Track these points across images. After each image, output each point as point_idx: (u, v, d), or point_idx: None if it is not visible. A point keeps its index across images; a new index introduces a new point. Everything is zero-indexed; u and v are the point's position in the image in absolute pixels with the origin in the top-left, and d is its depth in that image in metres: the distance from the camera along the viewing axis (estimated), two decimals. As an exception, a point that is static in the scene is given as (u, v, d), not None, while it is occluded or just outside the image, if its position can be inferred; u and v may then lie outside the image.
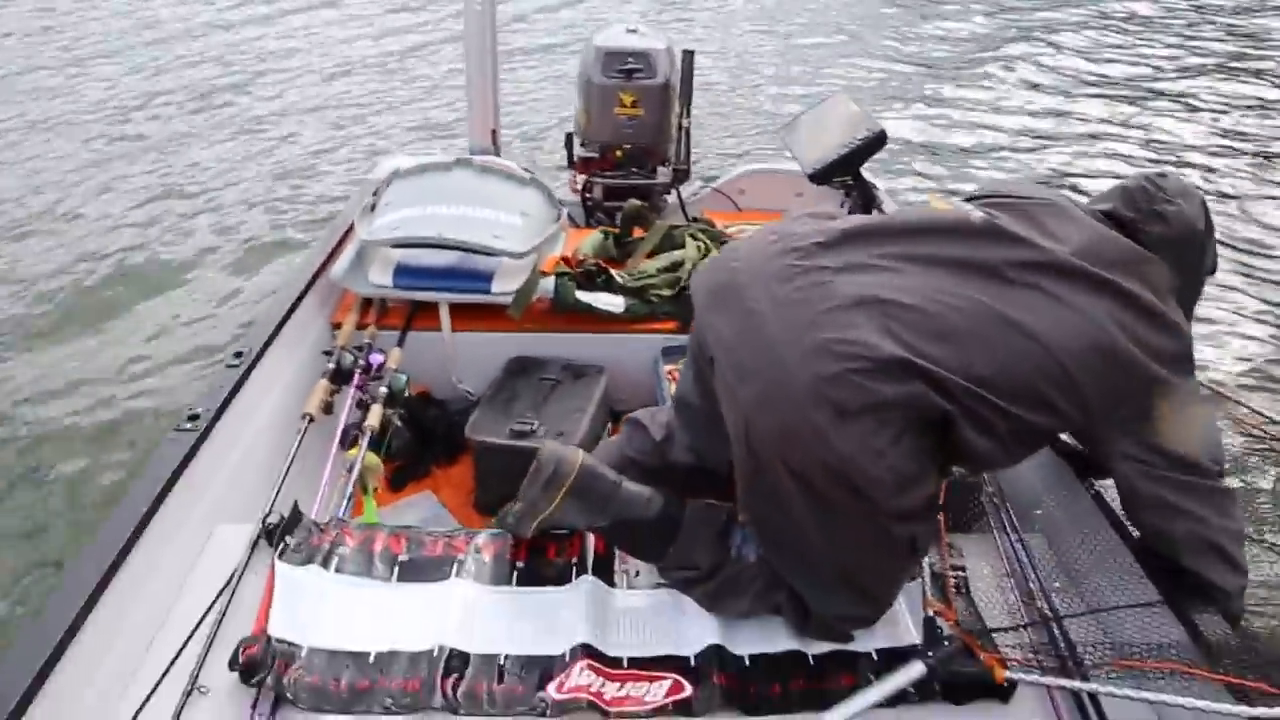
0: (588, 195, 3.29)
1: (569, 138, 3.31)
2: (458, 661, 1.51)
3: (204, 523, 1.78)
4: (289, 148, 6.61)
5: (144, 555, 1.60)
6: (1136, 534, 1.62)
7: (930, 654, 1.42)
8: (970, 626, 1.53)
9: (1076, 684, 1.40)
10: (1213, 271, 1.59)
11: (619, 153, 3.23)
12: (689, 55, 3.23)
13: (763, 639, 1.59)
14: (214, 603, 1.59)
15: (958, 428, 1.31)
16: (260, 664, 1.45)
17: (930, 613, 1.52)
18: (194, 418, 1.85)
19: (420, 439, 2.46)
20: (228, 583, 1.62)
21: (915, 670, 1.40)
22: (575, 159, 3.30)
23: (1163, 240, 1.48)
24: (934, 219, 1.48)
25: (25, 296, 4.70)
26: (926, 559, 1.65)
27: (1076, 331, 1.34)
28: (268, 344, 2.16)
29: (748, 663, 1.54)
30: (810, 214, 1.52)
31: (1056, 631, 1.52)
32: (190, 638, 1.53)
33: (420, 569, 1.70)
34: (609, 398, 2.47)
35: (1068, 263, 1.38)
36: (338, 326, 2.46)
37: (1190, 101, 7.44)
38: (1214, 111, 7.25)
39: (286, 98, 7.58)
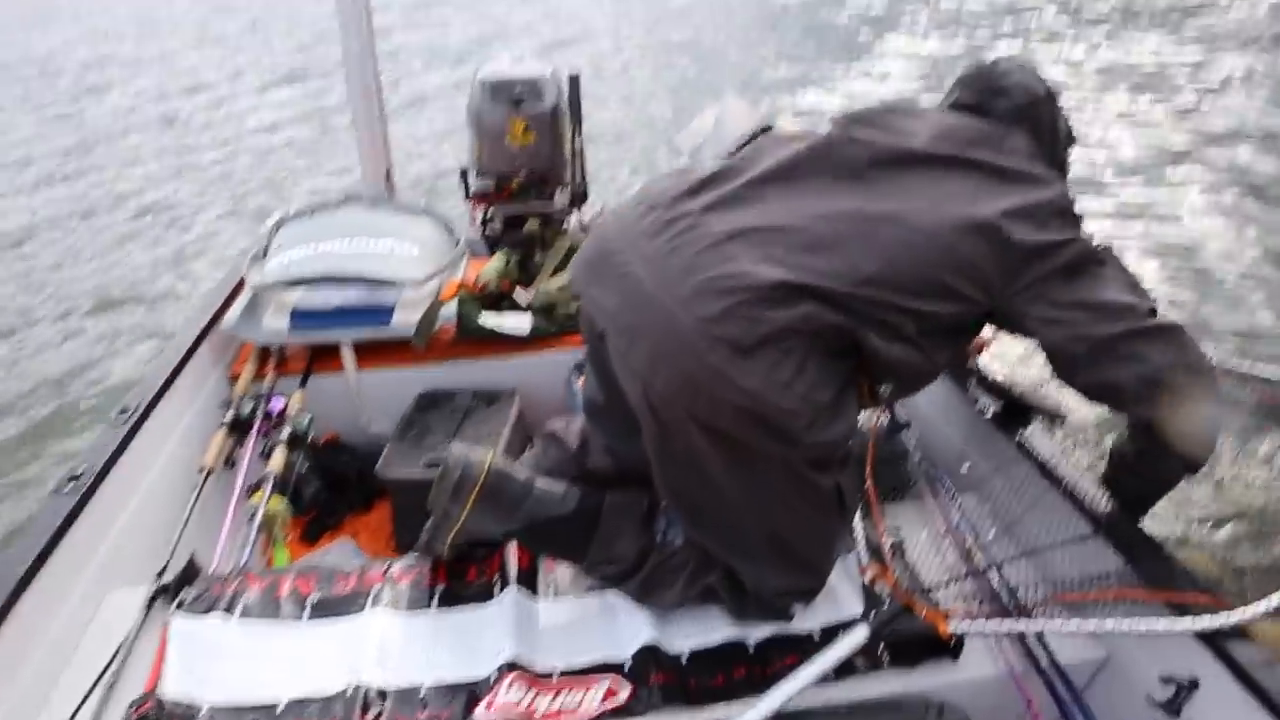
0: (487, 228, 3.23)
1: (464, 173, 3.25)
2: (374, 697, 1.40)
3: (94, 588, 1.64)
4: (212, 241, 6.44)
5: (23, 627, 1.46)
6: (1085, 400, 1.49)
7: (871, 616, 1.36)
8: (910, 587, 1.48)
9: (1020, 625, 1.36)
10: (1071, 139, 1.58)
11: (515, 182, 3.18)
12: (575, 79, 3.21)
13: (699, 632, 1.52)
14: (105, 669, 1.46)
15: (864, 339, 1.26)
16: (154, 729, 1.33)
17: (867, 579, 1.46)
18: (74, 478, 1.71)
19: (331, 487, 2.34)
20: (119, 648, 1.49)
21: (857, 635, 1.34)
22: (472, 193, 3.24)
23: (1011, 112, 1.47)
24: (783, 140, 1.46)
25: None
26: (860, 528, 1.60)
27: (947, 212, 1.31)
28: (157, 398, 2.03)
29: (685, 660, 1.47)
30: (668, 174, 1.49)
31: (996, 580, 1.48)
32: (78, 710, 1.40)
33: (333, 606, 1.60)
34: (524, 419, 2.39)
35: (921, 150, 1.38)
36: (234, 379, 2.34)
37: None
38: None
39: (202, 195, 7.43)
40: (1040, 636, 1.41)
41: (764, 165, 1.40)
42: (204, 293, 2.86)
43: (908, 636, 1.39)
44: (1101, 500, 1.53)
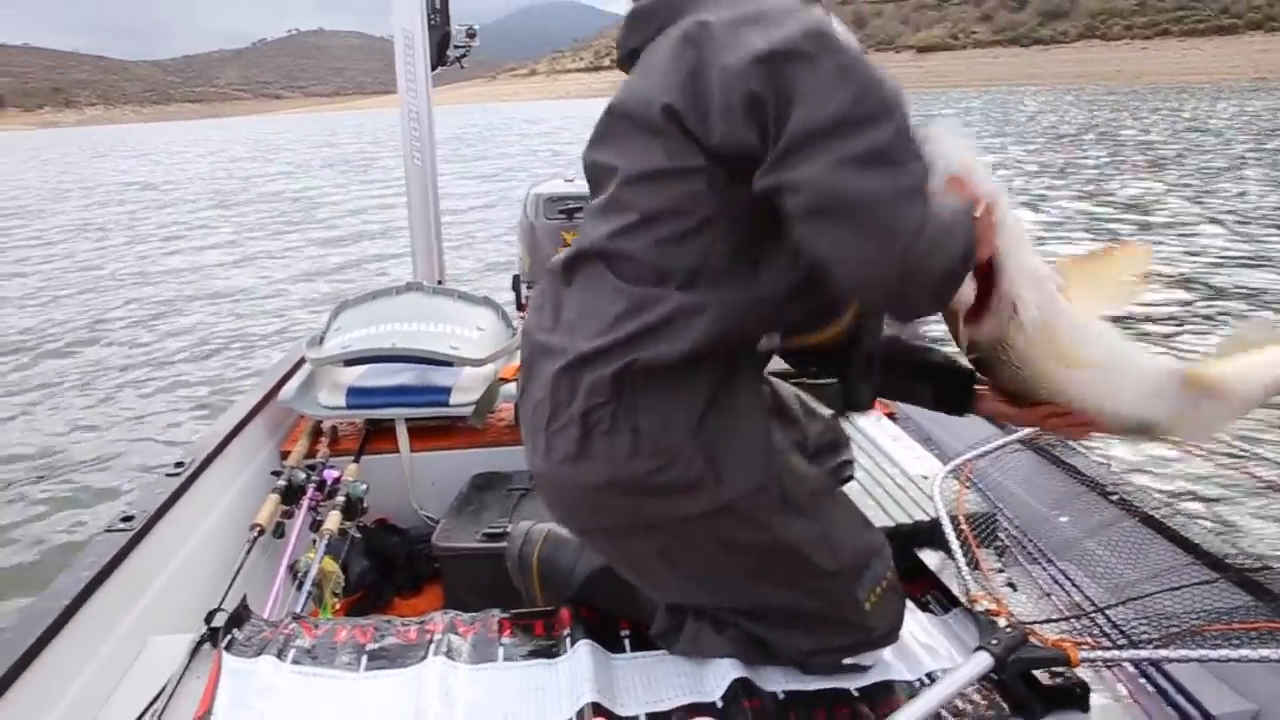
0: (539, 335, 3.25)
1: (516, 280, 3.32)
2: None
3: (135, 632, 1.54)
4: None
5: (60, 664, 1.36)
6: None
7: (994, 642, 1.24)
8: (1028, 619, 1.36)
9: (1168, 654, 1.22)
10: None
11: (567, 291, 3.23)
12: (627, 193, 3.32)
13: (793, 678, 1.39)
14: (149, 707, 1.34)
15: (646, 364, 1.16)
16: (205, 759, 1.20)
17: (981, 608, 1.35)
18: (128, 519, 1.64)
19: (380, 569, 2.23)
20: (165, 685, 1.37)
21: (979, 662, 1.22)
22: (523, 300, 3.29)
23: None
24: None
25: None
26: (965, 569, 1.49)
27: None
28: (211, 458, 1.97)
29: (781, 696, 1.34)
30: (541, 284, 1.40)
31: (1122, 614, 1.36)
32: None
33: (392, 656, 1.48)
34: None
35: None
36: (286, 456, 2.28)
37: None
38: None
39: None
40: (1185, 690, 1.28)
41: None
42: (261, 369, 2.85)
43: (1032, 660, 1.25)
44: (1217, 542, 1.43)
